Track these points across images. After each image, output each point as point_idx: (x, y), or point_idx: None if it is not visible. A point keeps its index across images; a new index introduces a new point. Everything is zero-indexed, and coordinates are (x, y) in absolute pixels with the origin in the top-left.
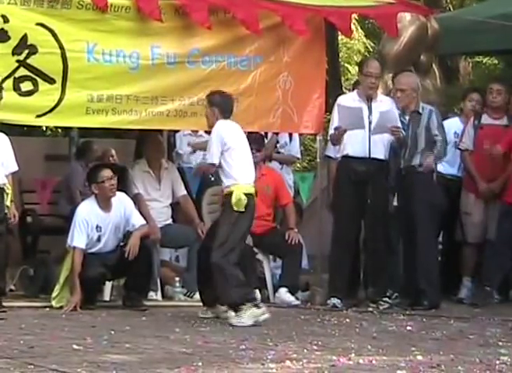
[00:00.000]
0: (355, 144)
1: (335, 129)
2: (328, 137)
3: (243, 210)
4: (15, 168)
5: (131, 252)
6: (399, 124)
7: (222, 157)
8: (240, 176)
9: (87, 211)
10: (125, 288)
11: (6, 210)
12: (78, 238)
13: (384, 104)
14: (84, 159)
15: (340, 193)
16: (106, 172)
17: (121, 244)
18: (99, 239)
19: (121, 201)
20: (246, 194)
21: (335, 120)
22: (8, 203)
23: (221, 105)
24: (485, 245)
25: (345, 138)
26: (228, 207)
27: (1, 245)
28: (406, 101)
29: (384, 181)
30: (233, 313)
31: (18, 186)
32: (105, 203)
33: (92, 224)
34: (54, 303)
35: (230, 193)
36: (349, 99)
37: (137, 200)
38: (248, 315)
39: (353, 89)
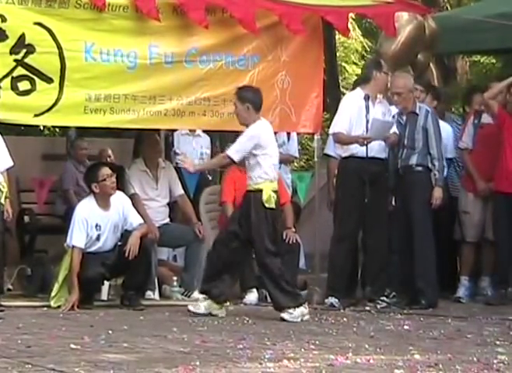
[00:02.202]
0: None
1: (363, 138)
2: (331, 133)
3: (274, 206)
4: (10, 163)
5: (132, 251)
6: (395, 130)
7: (254, 155)
8: (269, 173)
9: (87, 210)
10: (123, 288)
11: (2, 208)
12: (77, 238)
13: (383, 105)
14: (74, 158)
15: (343, 193)
16: (106, 170)
17: (119, 243)
18: (98, 238)
19: (120, 200)
20: (273, 191)
21: (343, 119)
22: (2, 200)
23: (254, 100)
24: (483, 244)
25: None
26: (258, 203)
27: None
28: (403, 104)
29: (384, 180)
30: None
31: (15, 185)
32: (104, 202)
33: (92, 223)
34: (52, 303)
35: (259, 190)
36: (355, 97)
37: (133, 200)
38: (297, 313)
39: (352, 89)
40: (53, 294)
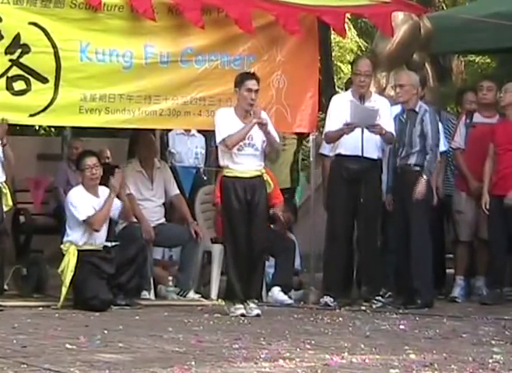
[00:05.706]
0: (347, 142)
1: (346, 125)
2: (323, 136)
3: None
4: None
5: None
6: (377, 122)
7: None
8: None
9: (80, 194)
10: (118, 288)
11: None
12: (84, 210)
13: (377, 104)
14: (68, 157)
15: (333, 192)
16: (91, 161)
17: (114, 243)
18: None
19: (105, 192)
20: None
21: (332, 119)
22: (3, 201)
23: None
24: (478, 243)
25: None
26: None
27: (3, 245)
28: (406, 97)
29: (377, 179)
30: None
31: (11, 185)
32: (92, 190)
33: (88, 204)
34: (58, 305)
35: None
36: (343, 99)
37: (129, 200)
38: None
39: (346, 89)
40: (61, 298)
